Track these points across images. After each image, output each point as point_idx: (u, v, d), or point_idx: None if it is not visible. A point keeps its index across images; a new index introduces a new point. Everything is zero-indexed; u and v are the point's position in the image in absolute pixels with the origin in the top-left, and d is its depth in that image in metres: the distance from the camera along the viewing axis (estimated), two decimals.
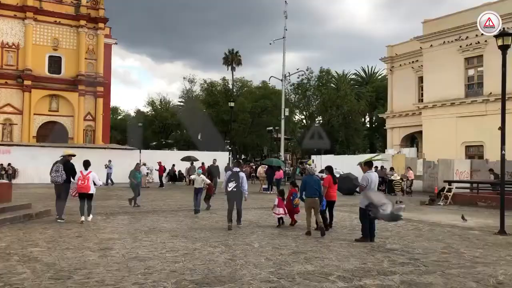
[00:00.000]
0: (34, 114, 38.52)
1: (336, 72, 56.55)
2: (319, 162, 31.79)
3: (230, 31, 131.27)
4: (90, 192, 11.67)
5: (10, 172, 29.15)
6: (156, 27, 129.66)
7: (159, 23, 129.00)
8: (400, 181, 23.85)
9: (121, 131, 72.86)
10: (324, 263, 7.46)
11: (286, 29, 37.86)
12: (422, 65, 36.55)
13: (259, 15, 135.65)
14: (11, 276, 6.24)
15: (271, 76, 53.35)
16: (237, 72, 62.49)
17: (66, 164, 11.85)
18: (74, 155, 12.36)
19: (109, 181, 28.51)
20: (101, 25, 41.37)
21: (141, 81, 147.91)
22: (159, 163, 30.58)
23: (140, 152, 34.43)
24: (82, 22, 40.61)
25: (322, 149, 45.22)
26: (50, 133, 39.42)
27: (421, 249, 8.76)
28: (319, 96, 51.18)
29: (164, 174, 31.34)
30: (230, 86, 59.81)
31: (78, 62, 40.37)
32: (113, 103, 51.98)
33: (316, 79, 52.28)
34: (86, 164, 11.90)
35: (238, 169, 11.40)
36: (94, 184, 11.74)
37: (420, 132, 36.75)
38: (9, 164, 29.63)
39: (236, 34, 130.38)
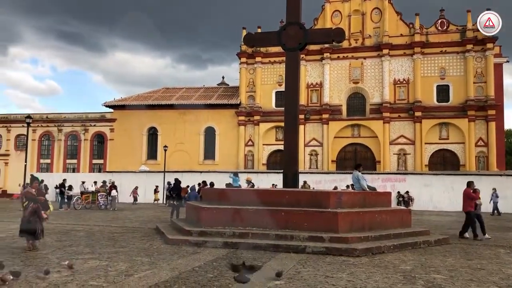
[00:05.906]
0: (425, 143, 40.03)
1: None
2: None
3: None
4: None
5: (406, 199, 31.15)
6: None
7: None
8: None
9: None
10: None
11: None
12: None
13: None
14: None
15: None
16: None
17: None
18: None
19: (495, 211, 26.49)
20: (489, 45, 39.28)
21: None
22: None
23: None
24: (469, 47, 39.74)
25: None
26: (441, 161, 39.96)
27: None
28: None
29: None
30: None
31: (466, 88, 39.54)
32: (507, 125, 47.72)
33: None
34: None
35: None
36: None
37: None
38: (406, 192, 31.73)
39: None
